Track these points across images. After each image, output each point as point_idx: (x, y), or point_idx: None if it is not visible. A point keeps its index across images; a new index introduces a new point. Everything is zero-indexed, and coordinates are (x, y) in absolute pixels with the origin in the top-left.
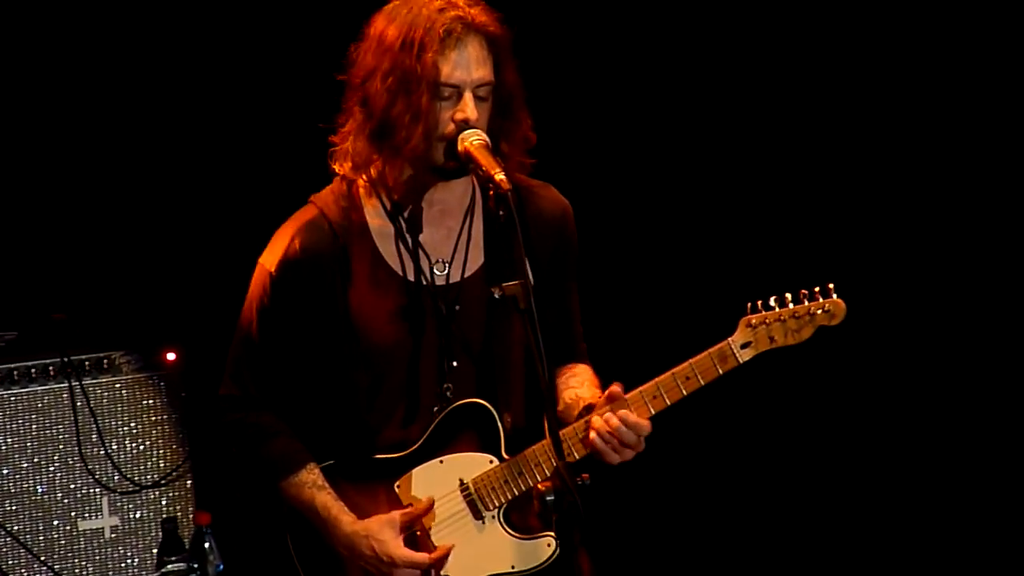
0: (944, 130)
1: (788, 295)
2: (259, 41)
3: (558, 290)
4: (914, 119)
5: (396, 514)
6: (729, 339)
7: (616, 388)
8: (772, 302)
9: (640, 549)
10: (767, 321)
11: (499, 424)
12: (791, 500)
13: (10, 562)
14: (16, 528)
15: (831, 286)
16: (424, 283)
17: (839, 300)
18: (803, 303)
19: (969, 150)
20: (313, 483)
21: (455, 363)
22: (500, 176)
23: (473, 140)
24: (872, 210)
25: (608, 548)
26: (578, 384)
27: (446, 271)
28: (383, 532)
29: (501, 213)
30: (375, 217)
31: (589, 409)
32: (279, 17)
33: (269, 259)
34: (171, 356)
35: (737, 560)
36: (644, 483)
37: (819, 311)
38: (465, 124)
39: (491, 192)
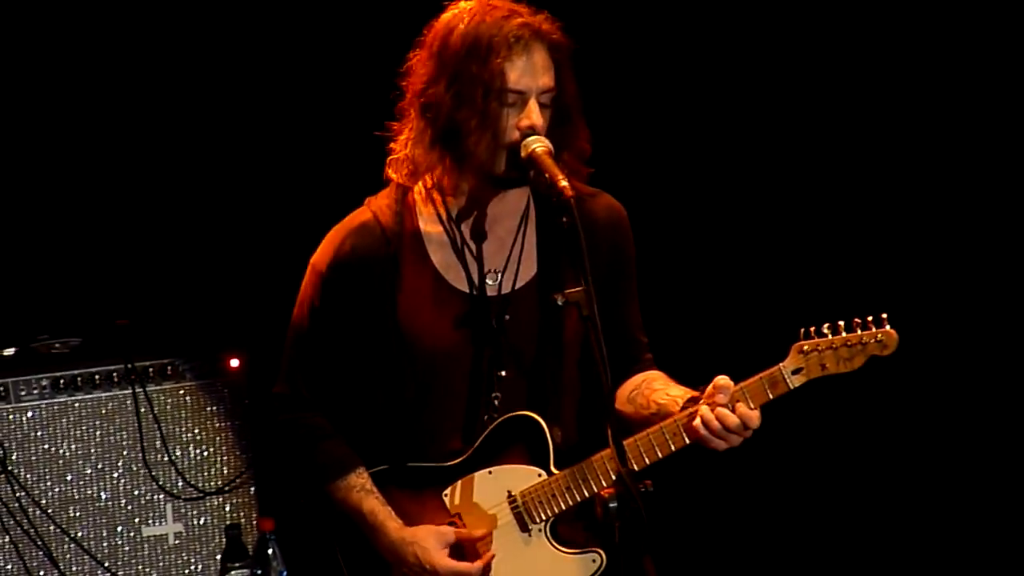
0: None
1: (841, 323)
2: (310, 48)
3: (618, 298)
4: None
5: (449, 529)
6: (780, 364)
7: (724, 378)
8: (825, 329)
9: (704, 556)
10: (819, 348)
11: (548, 438)
12: (856, 508)
13: (74, 568)
14: (80, 535)
15: (884, 316)
16: (475, 293)
17: (891, 331)
18: (856, 331)
19: None
20: (361, 487)
21: (503, 372)
22: (564, 183)
23: (537, 147)
24: (930, 240)
25: (673, 555)
26: (664, 385)
27: (498, 281)
28: (428, 540)
29: (564, 220)
30: (429, 225)
31: (695, 401)
32: (332, 25)
33: (320, 259)
34: (234, 363)
35: (801, 570)
36: (708, 489)
37: (871, 340)
38: (531, 131)
39: (554, 200)
